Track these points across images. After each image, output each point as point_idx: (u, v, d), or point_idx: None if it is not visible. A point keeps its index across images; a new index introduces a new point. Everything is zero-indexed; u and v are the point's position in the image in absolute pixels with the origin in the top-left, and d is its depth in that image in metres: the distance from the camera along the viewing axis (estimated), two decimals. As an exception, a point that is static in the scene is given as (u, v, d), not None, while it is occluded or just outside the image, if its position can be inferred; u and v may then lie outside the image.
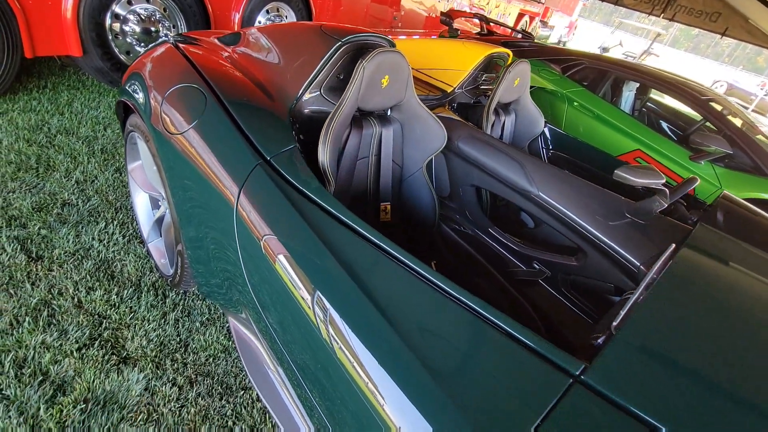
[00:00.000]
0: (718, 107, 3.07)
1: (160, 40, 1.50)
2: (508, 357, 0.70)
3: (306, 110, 1.28)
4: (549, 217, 1.38)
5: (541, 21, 12.05)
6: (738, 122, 3.07)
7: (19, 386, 1.16)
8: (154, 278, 1.60)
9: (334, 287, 0.83)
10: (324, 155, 1.11)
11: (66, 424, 1.11)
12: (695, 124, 3.42)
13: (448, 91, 1.80)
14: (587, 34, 18.97)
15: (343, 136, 1.26)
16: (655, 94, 4.29)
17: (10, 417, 1.09)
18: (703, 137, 2.59)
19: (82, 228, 1.72)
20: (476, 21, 5.20)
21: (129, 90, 1.37)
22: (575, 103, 3.32)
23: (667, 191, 1.23)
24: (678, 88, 3.07)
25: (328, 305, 0.81)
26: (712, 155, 2.68)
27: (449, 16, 4.31)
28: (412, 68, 1.52)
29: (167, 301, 1.53)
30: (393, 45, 1.28)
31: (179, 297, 1.56)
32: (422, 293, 0.78)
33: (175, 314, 1.49)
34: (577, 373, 0.66)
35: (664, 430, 0.59)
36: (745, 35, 8.50)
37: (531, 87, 3.51)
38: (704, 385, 0.67)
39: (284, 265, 0.90)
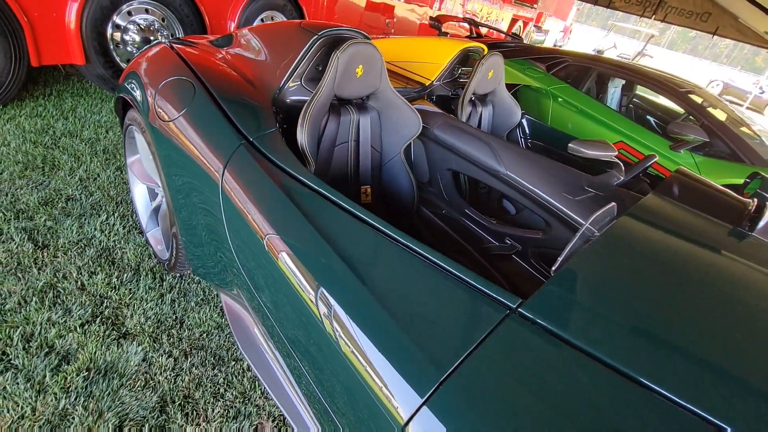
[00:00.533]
0: (699, 99, 3.17)
1: (156, 41, 1.61)
2: (458, 297, 0.79)
3: (288, 100, 1.39)
4: (517, 193, 1.47)
5: (535, 26, 12.22)
6: (721, 114, 3.17)
7: (27, 357, 1.26)
8: (152, 264, 1.70)
9: (320, 261, 0.90)
10: (302, 137, 1.21)
11: (70, 389, 1.21)
12: (679, 117, 3.52)
13: (427, 84, 1.91)
14: (583, 38, 19.22)
15: (321, 122, 1.37)
16: (641, 91, 4.40)
17: (17, 383, 1.19)
18: (680, 127, 2.68)
19: (85, 220, 1.83)
20: (466, 26, 5.35)
21: (127, 87, 1.49)
22: (560, 99, 3.43)
23: (623, 166, 1.32)
24: (657, 81, 3.17)
25: (315, 280, 0.88)
26: (691, 144, 2.77)
27: (438, 20, 4.46)
28: (392, 62, 1.61)
29: (164, 284, 1.63)
30: (367, 38, 1.39)
31: (176, 280, 1.66)
32: (400, 258, 0.86)
33: (172, 295, 1.59)
34: (514, 306, 0.76)
35: (592, 351, 0.68)
36: (735, 34, 8.64)
37: (517, 85, 3.65)
38: (630, 317, 0.76)
39: (269, 240, 0.99)
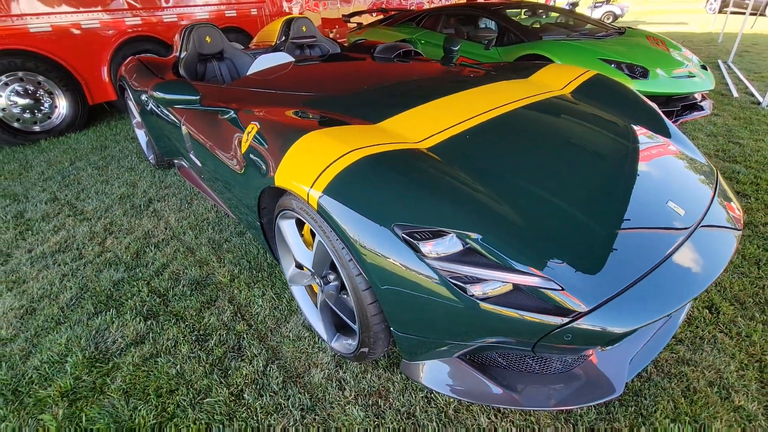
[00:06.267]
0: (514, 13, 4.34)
1: (130, 57, 3.31)
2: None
3: (183, 64, 2.98)
4: None
5: None
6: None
7: (97, 198, 2.92)
8: (151, 168, 3.36)
9: (210, 123, 2.39)
10: (181, 70, 2.77)
11: (114, 200, 2.84)
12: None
13: (273, 44, 3.43)
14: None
15: (197, 68, 2.92)
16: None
17: (93, 205, 2.84)
18: (476, 32, 3.91)
19: (122, 161, 3.55)
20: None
21: (121, 78, 3.18)
22: (422, 42, 4.75)
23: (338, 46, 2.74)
24: (477, 9, 4.40)
25: (204, 134, 2.37)
26: (490, 41, 3.97)
27: (348, 17, 5.99)
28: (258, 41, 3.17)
29: (156, 172, 3.27)
30: (211, 24, 2.95)
31: (161, 171, 3.29)
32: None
33: (159, 175, 3.22)
34: None
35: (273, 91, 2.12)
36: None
37: (397, 41, 5.02)
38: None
39: (189, 127, 2.50)
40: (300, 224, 1.54)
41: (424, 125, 1.51)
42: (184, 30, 2.92)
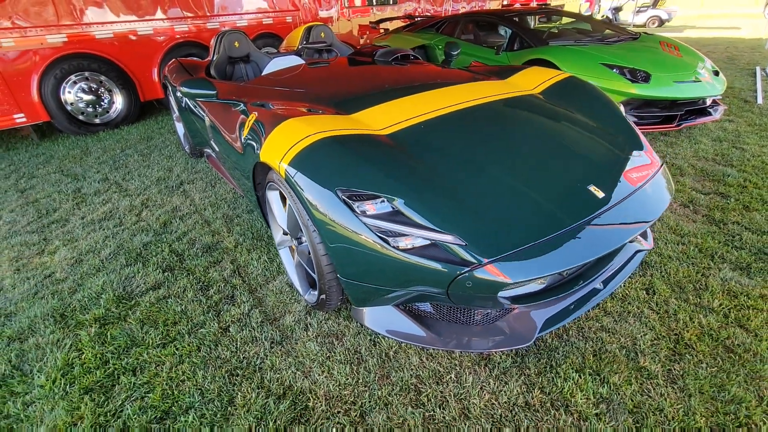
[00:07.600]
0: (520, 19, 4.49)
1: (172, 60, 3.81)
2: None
3: (214, 65, 3.42)
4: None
5: (539, 4, 13.19)
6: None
7: (137, 177, 3.42)
8: (185, 156, 3.84)
9: (230, 115, 2.80)
10: (212, 70, 3.21)
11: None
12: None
13: (295, 48, 3.82)
14: (606, 3, 19.13)
15: (226, 69, 3.35)
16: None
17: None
18: (486, 36, 4.11)
19: (163, 151, 4.07)
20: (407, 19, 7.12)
21: (165, 78, 3.68)
22: (439, 47, 5.00)
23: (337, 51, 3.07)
24: (490, 15, 4.59)
25: (224, 127, 2.79)
26: (500, 47, 4.15)
27: (376, 24, 6.35)
28: (285, 45, 3.62)
29: (189, 161, 3.74)
30: (239, 31, 3.37)
31: (195, 161, 3.76)
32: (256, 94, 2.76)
33: (192, 162, 3.69)
34: None
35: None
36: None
37: (417, 46, 5.31)
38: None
39: (210, 118, 2.94)
40: (284, 198, 1.87)
41: (390, 116, 1.79)
42: (217, 36, 3.36)
